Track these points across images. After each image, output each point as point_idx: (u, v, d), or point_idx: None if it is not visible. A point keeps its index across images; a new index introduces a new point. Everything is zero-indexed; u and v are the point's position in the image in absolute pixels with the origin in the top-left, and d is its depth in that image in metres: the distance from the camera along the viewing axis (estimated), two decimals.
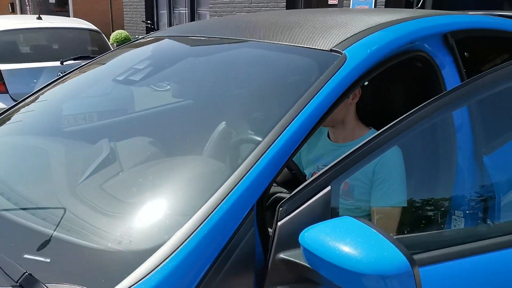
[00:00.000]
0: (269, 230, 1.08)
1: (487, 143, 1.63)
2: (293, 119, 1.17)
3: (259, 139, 1.16)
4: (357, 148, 1.10)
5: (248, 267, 1.03)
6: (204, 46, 1.82)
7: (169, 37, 1.96)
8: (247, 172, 1.07)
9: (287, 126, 1.16)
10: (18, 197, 1.37)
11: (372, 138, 1.13)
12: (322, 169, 1.35)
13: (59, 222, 1.17)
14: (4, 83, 4.89)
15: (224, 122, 1.51)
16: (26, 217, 1.24)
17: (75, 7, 16.08)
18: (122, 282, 0.94)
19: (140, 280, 0.94)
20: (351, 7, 6.47)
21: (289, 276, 1.01)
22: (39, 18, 5.84)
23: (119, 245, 1.06)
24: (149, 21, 9.96)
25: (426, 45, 1.57)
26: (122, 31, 10.32)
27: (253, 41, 1.62)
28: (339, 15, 1.76)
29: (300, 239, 0.97)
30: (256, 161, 1.09)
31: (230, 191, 1.04)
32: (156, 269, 0.95)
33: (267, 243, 1.04)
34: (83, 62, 5.50)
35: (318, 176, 1.07)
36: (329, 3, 7.17)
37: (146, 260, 0.96)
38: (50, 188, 1.41)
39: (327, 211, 1.03)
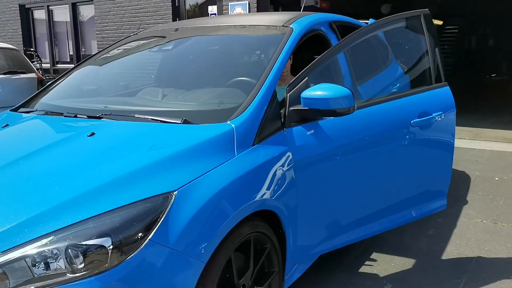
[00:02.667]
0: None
1: (358, 79, 3.06)
2: (274, 64, 2.37)
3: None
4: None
5: (278, 117, 2.20)
6: (197, 32, 3.00)
7: (169, 29, 3.12)
8: (265, 81, 2.29)
9: (272, 66, 2.36)
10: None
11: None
12: None
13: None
14: None
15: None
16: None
17: None
18: (229, 118, 2.04)
19: (237, 116, 2.05)
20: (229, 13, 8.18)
21: (297, 118, 2.21)
22: None
23: (219, 106, 2.23)
24: (32, 49, 10.34)
25: (322, 28, 2.95)
26: None
27: (233, 25, 2.88)
28: (260, 15, 3.06)
29: (301, 95, 2.20)
30: (266, 79, 2.30)
31: (262, 86, 2.24)
32: (242, 113, 2.08)
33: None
34: (12, 77, 6.00)
35: (300, 74, 2.33)
36: (208, 11, 8.70)
37: (236, 110, 2.11)
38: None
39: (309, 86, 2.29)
